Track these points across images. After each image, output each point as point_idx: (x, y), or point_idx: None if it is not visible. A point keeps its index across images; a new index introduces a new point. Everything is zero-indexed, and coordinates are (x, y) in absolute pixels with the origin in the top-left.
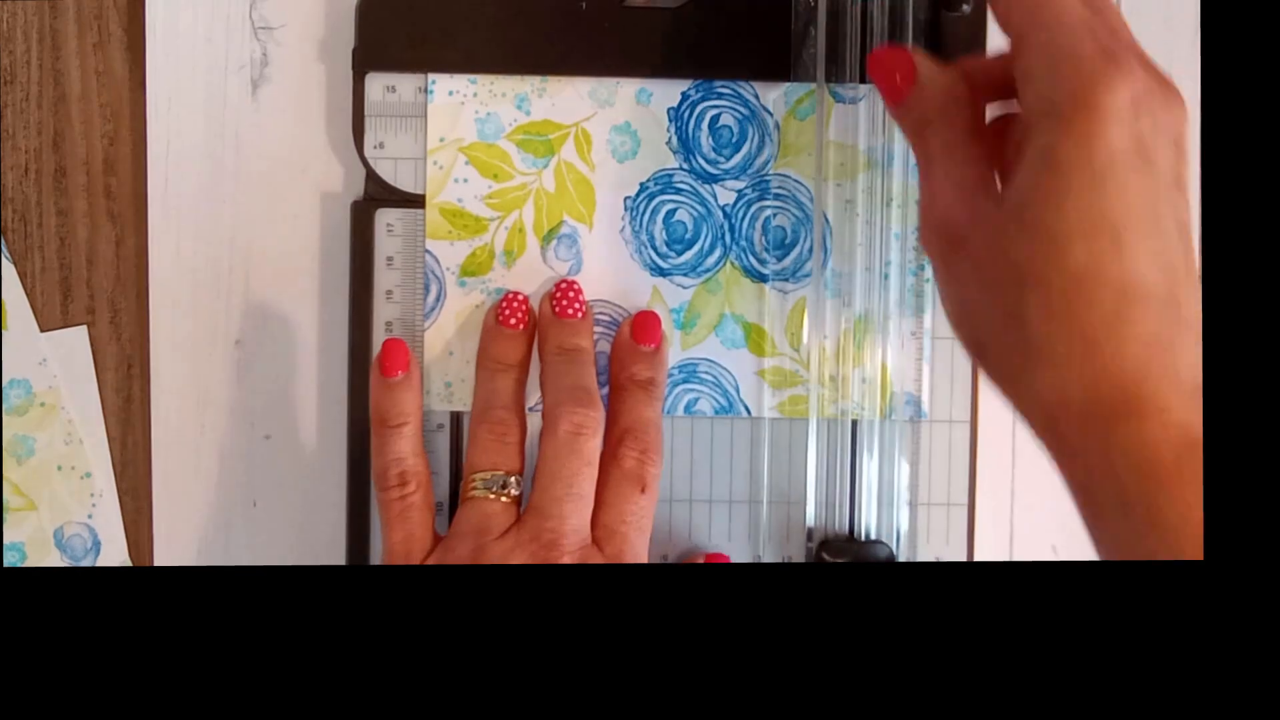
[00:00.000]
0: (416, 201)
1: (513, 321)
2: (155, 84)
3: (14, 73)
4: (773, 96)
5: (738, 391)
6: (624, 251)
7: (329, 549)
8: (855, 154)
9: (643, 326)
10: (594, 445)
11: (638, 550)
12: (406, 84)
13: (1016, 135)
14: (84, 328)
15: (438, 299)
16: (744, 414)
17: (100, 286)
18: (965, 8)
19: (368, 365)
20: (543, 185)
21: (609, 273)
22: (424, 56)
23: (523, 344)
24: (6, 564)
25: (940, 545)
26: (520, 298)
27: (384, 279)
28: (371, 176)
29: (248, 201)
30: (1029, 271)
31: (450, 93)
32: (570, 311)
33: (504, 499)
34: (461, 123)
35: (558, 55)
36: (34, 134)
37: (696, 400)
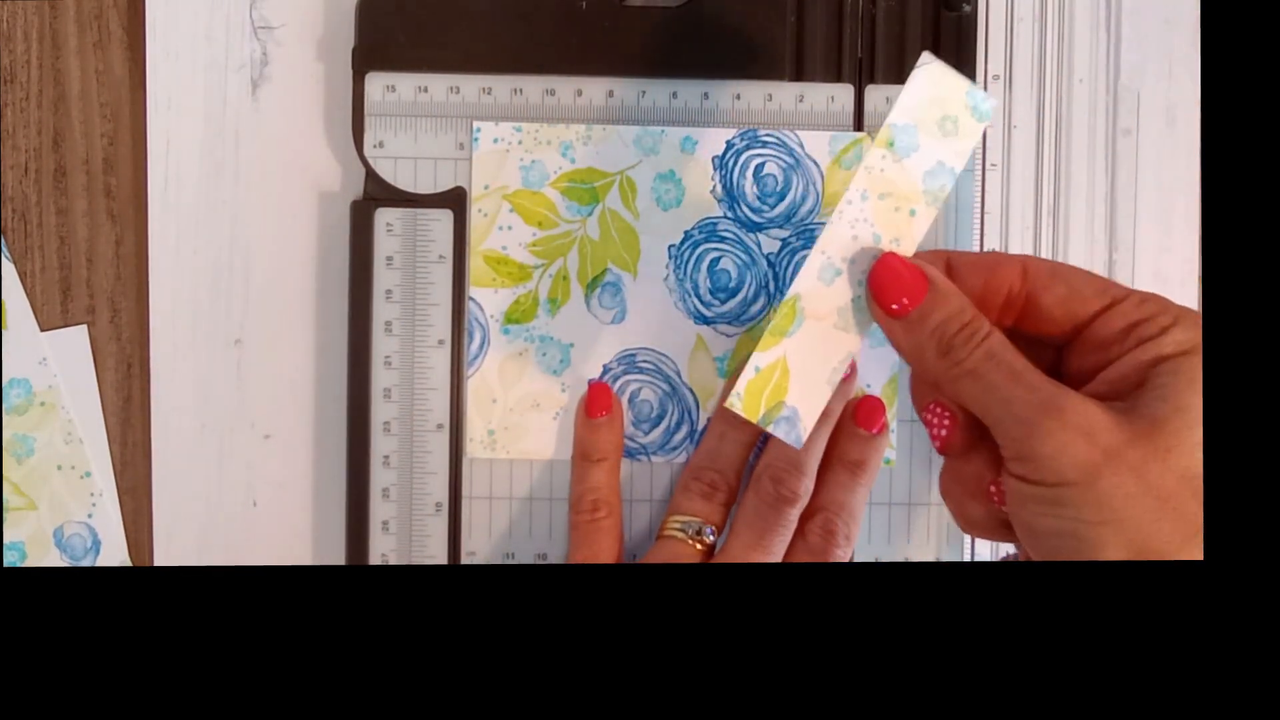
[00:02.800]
0: (416, 201)
1: None
2: (155, 84)
3: (14, 73)
4: (817, 145)
5: None
6: (668, 300)
7: (329, 549)
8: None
9: (866, 410)
10: (793, 514)
11: None
12: (406, 84)
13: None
14: (84, 327)
15: (481, 346)
16: None
17: (100, 286)
18: (965, 7)
19: (367, 365)
20: (587, 233)
21: (653, 321)
22: (424, 56)
23: None
24: (6, 564)
25: (938, 545)
26: None
27: (383, 279)
28: (371, 176)
29: (248, 201)
30: (1192, 479)
31: (495, 140)
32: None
33: (696, 545)
34: (506, 170)
35: (558, 55)
36: (34, 134)
37: None
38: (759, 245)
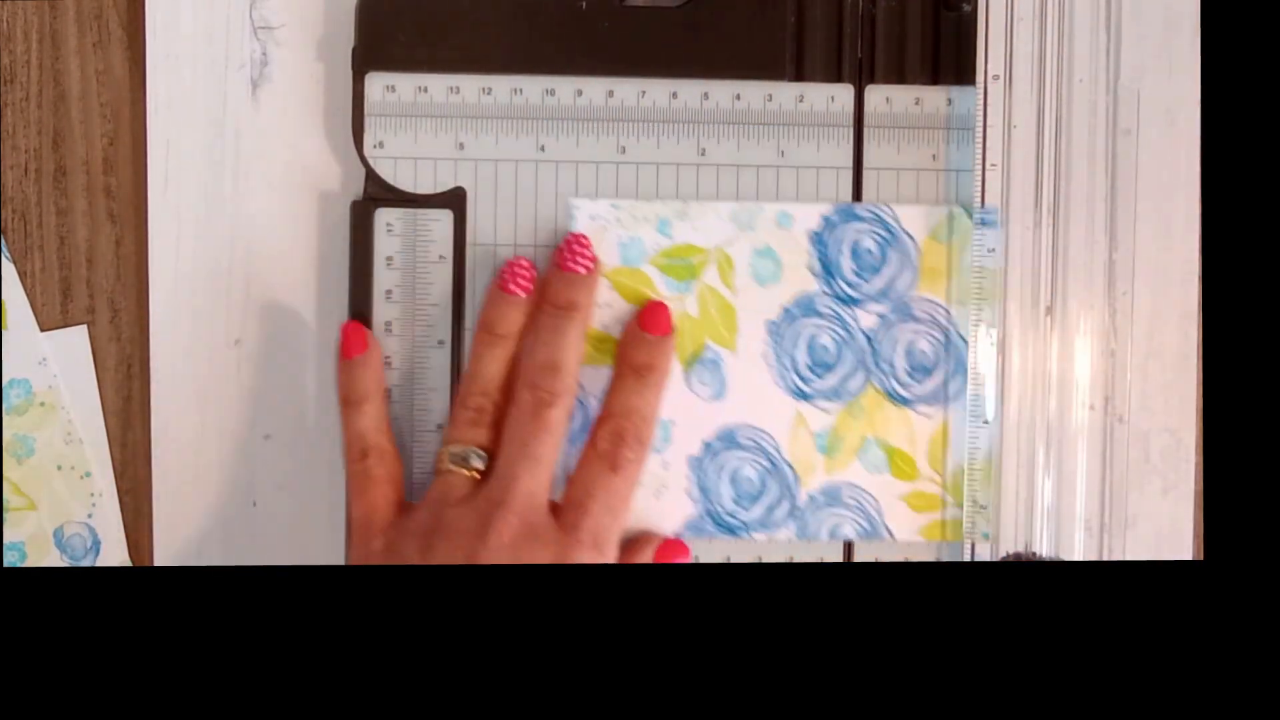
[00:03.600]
0: (416, 201)
1: (513, 287)
2: (155, 84)
3: (14, 73)
4: (914, 219)
5: (880, 516)
6: (767, 375)
7: (329, 549)
8: (996, 276)
9: (650, 315)
10: (556, 414)
11: (601, 526)
12: (406, 84)
13: None
14: (84, 328)
15: (584, 425)
16: (887, 538)
17: (100, 286)
18: (965, 7)
19: None
20: (686, 309)
21: (752, 397)
22: (424, 56)
23: (520, 313)
24: (6, 564)
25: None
26: (525, 263)
27: (383, 279)
28: (371, 176)
29: (248, 201)
30: None
31: (592, 217)
32: (573, 265)
33: (465, 472)
34: (605, 247)
35: (558, 55)
36: (34, 134)
37: (839, 525)
38: (856, 320)
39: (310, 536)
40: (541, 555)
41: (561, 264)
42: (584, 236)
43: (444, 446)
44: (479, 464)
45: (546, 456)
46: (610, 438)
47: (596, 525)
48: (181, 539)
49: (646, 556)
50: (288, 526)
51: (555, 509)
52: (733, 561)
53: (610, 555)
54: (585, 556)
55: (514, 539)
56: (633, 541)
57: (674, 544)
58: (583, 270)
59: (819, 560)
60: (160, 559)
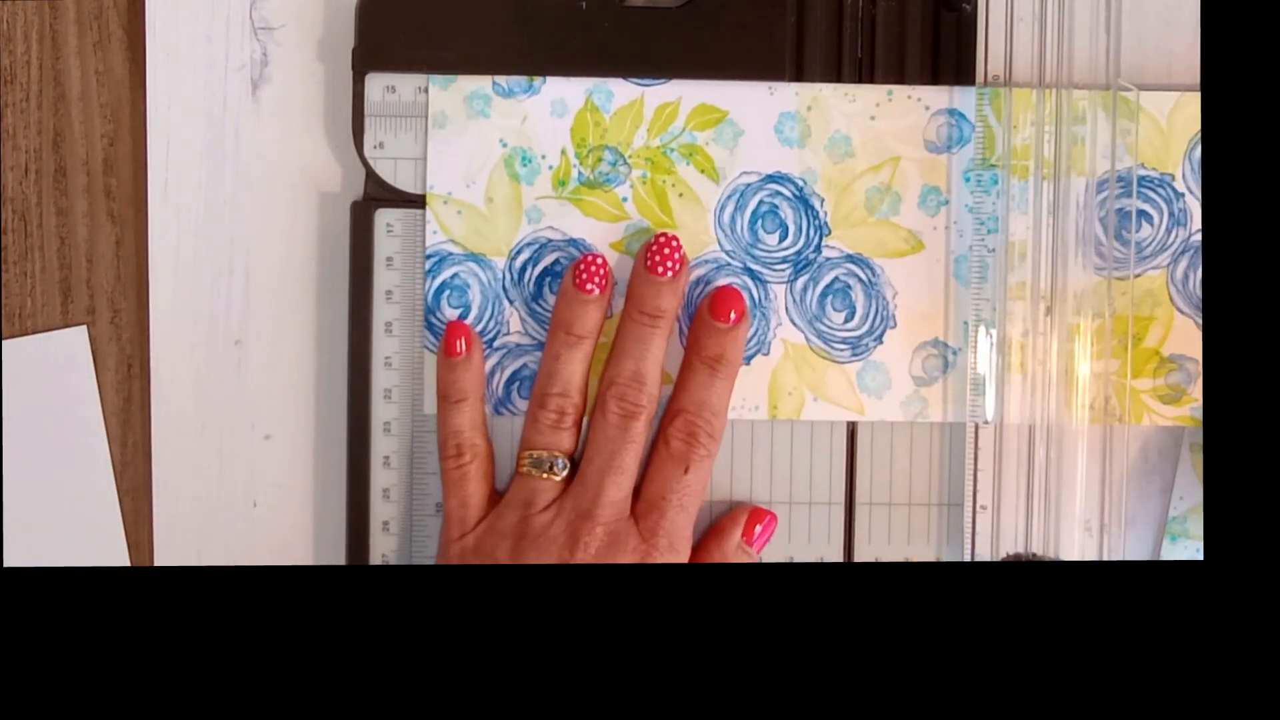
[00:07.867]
0: (416, 201)
1: (589, 286)
2: (155, 84)
3: (14, 73)
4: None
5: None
6: None
7: (329, 549)
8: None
9: (720, 302)
10: (640, 426)
11: (677, 526)
12: (406, 84)
13: None
14: (84, 328)
15: None
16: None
17: (100, 286)
18: (965, 7)
19: (367, 365)
20: None
21: None
22: (424, 56)
23: (597, 312)
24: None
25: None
26: (600, 260)
27: (383, 279)
28: (371, 176)
29: (248, 201)
30: None
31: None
32: (661, 270)
33: (550, 479)
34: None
35: (558, 55)
36: (34, 134)
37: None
38: None
39: (310, 536)
40: (624, 560)
41: (651, 268)
42: (675, 238)
43: (524, 449)
44: (563, 471)
45: (630, 466)
46: (683, 436)
47: (672, 527)
48: (181, 539)
49: (737, 530)
50: (288, 526)
51: (632, 510)
52: (731, 562)
53: (684, 552)
54: (663, 558)
55: (600, 550)
56: (727, 517)
57: (759, 512)
58: (671, 275)
59: (819, 560)
60: (160, 559)
